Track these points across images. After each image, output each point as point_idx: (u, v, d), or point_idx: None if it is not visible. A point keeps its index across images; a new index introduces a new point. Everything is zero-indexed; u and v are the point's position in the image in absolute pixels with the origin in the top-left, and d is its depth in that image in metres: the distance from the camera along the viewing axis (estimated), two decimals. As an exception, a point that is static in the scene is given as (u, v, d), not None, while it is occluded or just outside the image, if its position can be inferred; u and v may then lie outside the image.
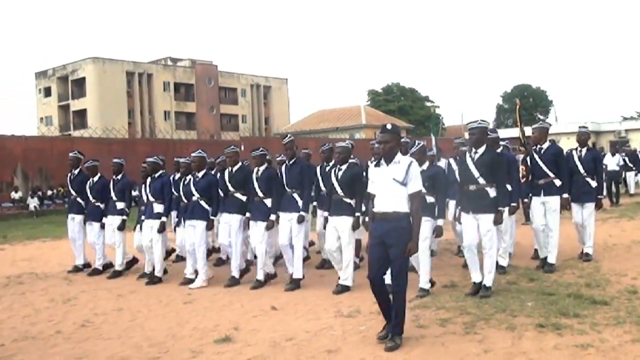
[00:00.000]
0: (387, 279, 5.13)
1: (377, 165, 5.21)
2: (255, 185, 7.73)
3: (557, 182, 7.82)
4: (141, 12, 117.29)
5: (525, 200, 8.41)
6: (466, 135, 7.63)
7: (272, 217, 7.60)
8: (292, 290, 7.38)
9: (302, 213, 7.55)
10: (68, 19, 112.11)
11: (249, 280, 7.89)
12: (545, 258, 7.81)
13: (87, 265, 9.70)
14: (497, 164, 6.52)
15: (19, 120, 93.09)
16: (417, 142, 7.15)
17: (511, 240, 8.31)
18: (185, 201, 8.21)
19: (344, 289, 7.09)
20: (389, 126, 5.18)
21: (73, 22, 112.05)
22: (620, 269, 7.59)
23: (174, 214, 9.18)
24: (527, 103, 65.72)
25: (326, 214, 7.73)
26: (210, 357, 5.01)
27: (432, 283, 6.86)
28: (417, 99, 66.62)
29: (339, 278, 7.22)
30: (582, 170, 8.38)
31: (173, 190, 8.69)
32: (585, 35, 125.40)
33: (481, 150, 6.53)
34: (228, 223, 8.01)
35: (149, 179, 8.64)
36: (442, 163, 9.21)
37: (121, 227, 9.02)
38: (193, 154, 8.23)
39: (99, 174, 9.49)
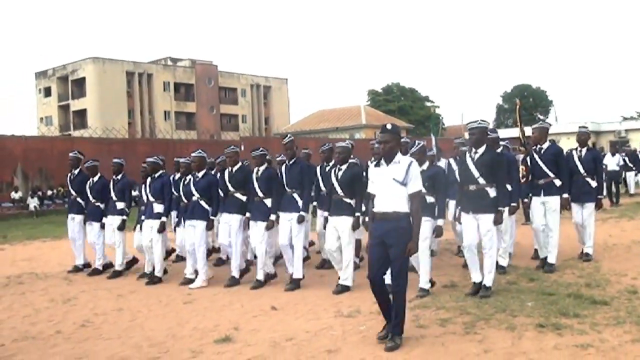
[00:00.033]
0: (387, 279, 5.14)
1: (377, 165, 5.21)
2: (255, 185, 7.73)
3: (557, 182, 7.82)
4: (141, 12, 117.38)
5: (526, 200, 8.40)
6: (466, 135, 7.63)
7: (272, 217, 7.60)
8: (292, 290, 7.38)
9: (302, 213, 7.55)
10: (68, 19, 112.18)
11: (249, 280, 7.89)
12: (545, 258, 7.81)
13: (87, 265, 9.71)
14: (497, 164, 6.52)
15: (19, 120, 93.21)
16: (417, 142, 7.15)
17: (511, 240, 8.31)
18: (185, 201, 8.21)
19: (344, 289, 7.09)
20: (389, 126, 5.18)
21: (73, 22, 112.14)
22: (620, 269, 7.59)
23: (173, 214, 9.18)
24: (527, 103, 65.74)
25: (326, 214, 7.73)
26: (210, 357, 5.01)
27: (432, 283, 6.86)
28: (417, 99, 66.63)
29: (339, 278, 7.23)
30: (582, 170, 8.38)
31: (173, 190, 8.69)
32: (586, 35, 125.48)
33: (481, 150, 6.53)
34: (228, 223, 8.01)
35: (149, 179, 8.65)
36: (442, 163, 9.21)
37: (121, 227, 9.01)
38: (193, 154, 8.23)
39: (99, 174, 9.49)
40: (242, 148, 15.19)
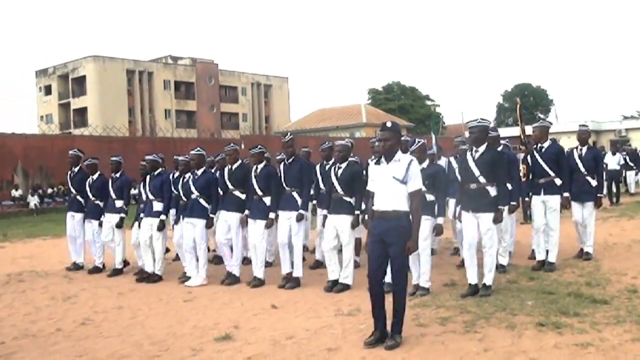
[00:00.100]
0: (387, 277, 5.13)
1: (377, 163, 5.20)
2: (254, 183, 7.71)
3: (558, 181, 7.81)
4: (142, 11, 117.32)
5: (526, 199, 8.39)
6: (466, 134, 7.63)
7: (272, 215, 7.60)
8: (292, 288, 7.38)
9: (301, 211, 7.55)
10: (68, 17, 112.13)
11: (246, 280, 7.88)
12: (542, 260, 7.79)
13: (80, 265, 9.67)
14: (498, 163, 6.51)
15: (20, 118, 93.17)
16: (417, 140, 7.15)
17: (511, 239, 8.31)
18: (185, 199, 8.20)
19: (344, 287, 7.09)
20: (389, 124, 5.17)
21: (73, 20, 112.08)
22: (620, 268, 7.59)
23: (173, 212, 9.16)
24: (528, 102, 65.72)
25: (325, 212, 7.72)
26: (210, 355, 5.01)
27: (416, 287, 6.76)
28: (417, 98, 66.62)
29: (334, 281, 7.18)
30: (582, 169, 8.38)
31: (172, 188, 8.68)
32: (586, 35, 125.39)
33: (482, 149, 6.52)
34: (226, 221, 8.00)
35: (148, 177, 8.65)
36: (443, 162, 9.21)
37: (119, 225, 9.01)
38: (192, 152, 8.22)
39: (98, 172, 9.50)
40: (243, 146, 15.20)
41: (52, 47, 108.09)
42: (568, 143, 23.30)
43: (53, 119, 59.18)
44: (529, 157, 7.99)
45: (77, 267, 9.62)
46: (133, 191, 9.69)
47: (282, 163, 7.82)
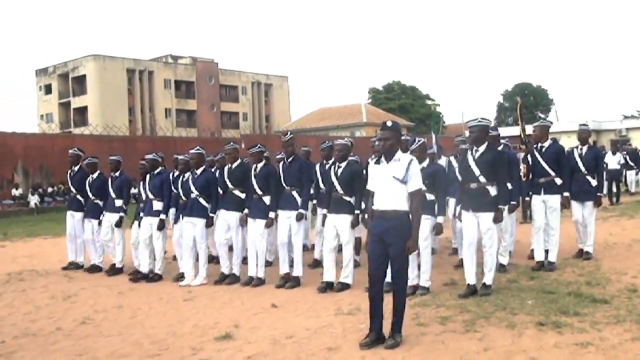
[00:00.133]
0: (388, 277, 5.13)
1: (377, 162, 5.20)
2: (254, 182, 7.71)
3: (558, 181, 7.81)
4: (142, 10, 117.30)
5: (526, 199, 8.38)
6: (467, 134, 7.63)
7: (272, 214, 7.60)
8: (292, 287, 7.38)
9: (301, 211, 7.55)
10: (69, 16, 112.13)
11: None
12: (542, 261, 7.79)
13: (76, 264, 9.66)
14: (499, 162, 6.50)
15: (20, 117, 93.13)
16: (417, 139, 7.14)
17: (512, 239, 8.31)
18: (184, 199, 8.20)
19: (344, 286, 7.08)
20: (389, 123, 5.17)
21: (74, 20, 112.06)
22: (620, 268, 7.59)
23: (172, 211, 9.16)
24: (528, 101, 65.69)
25: (325, 211, 7.72)
26: (210, 354, 5.01)
27: (415, 288, 6.71)
28: (417, 97, 66.60)
29: (325, 282, 7.15)
30: (582, 169, 8.38)
31: (172, 187, 8.67)
32: (586, 34, 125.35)
33: (482, 148, 6.52)
34: (226, 220, 7.99)
35: (148, 176, 8.64)
36: (443, 161, 9.21)
37: (118, 224, 9.01)
38: (191, 151, 8.21)
39: (98, 171, 9.49)
40: (243, 146, 15.17)
41: (52, 46, 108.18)
42: (568, 142, 23.26)
43: (53, 118, 59.18)
44: (529, 157, 7.99)
45: (77, 266, 9.61)
46: (133, 190, 9.67)
47: (282, 162, 7.81)
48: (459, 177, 6.80)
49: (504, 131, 25.10)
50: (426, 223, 6.63)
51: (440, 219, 6.80)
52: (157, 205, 8.42)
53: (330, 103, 65.63)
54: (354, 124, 50.54)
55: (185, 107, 63.54)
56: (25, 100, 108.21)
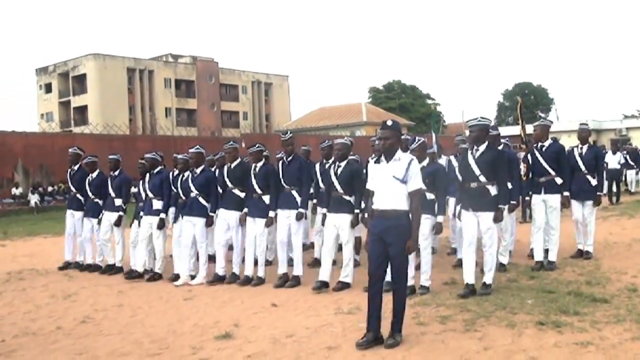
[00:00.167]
0: (387, 276, 5.13)
1: (377, 162, 5.20)
2: (253, 181, 7.70)
3: (558, 180, 7.81)
4: (142, 9, 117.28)
5: (526, 198, 8.38)
6: (467, 133, 7.63)
7: (271, 214, 7.59)
8: (292, 287, 7.38)
9: (300, 210, 7.55)
10: (69, 15, 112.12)
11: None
12: (541, 261, 7.79)
13: (71, 264, 9.63)
14: (499, 162, 6.49)
15: (20, 116, 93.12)
16: (417, 138, 7.14)
17: (512, 238, 8.31)
18: (184, 198, 8.19)
19: (344, 286, 7.08)
20: (389, 122, 5.16)
21: (74, 19, 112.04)
22: (620, 267, 7.59)
23: (172, 210, 9.14)
24: (528, 101, 65.65)
25: (325, 210, 7.72)
26: (210, 353, 5.01)
27: (413, 289, 6.62)
28: (418, 97, 66.56)
29: (320, 281, 7.09)
30: (583, 168, 8.38)
31: (172, 186, 8.66)
32: (587, 34, 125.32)
33: (482, 147, 6.51)
34: (226, 220, 7.99)
35: (147, 175, 8.64)
36: (443, 160, 9.21)
37: (118, 223, 9.01)
38: (191, 150, 8.20)
39: (97, 170, 9.49)
40: (243, 145, 15.17)
41: (52, 45, 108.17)
42: (568, 142, 23.24)
43: (53, 117, 59.20)
44: (529, 156, 7.99)
45: (78, 265, 9.60)
46: (133, 189, 9.67)
47: (281, 161, 7.81)
48: (459, 177, 6.79)
49: (504, 130, 25.12)
50: (426, 222, 6.63)
51: (440, 219, 6.80)
52: (157, 204, 8.42)
53: (330, 102, 65.50)
54: (354, 123, 50.51)
55: (185, 106, 63.53)
56: (26, 99, 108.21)
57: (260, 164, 7.74)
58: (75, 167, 9.76)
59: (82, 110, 58.09)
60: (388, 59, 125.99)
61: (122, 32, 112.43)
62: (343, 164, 7.26)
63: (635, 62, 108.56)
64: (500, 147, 7.83)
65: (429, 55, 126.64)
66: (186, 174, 8.23)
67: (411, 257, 6.38)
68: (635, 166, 20.68)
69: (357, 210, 7.17)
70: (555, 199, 7.80)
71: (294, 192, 7.61)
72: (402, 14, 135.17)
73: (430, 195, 6.77)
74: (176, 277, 8.13)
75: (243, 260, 8.06)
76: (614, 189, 17.76)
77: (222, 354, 4.98)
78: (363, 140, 24.10)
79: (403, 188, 5.01)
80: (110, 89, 56.62)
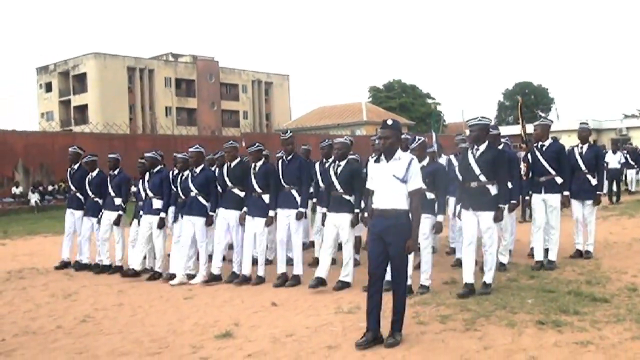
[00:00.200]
0: (387, 275, 5.13)
1: (377, 161, 5.19)
2: (253, 180, 7.70)
3: (558, 180, 7.82)
4: (143, 8, 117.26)
5: (526, 197, 8.38)
6: (467, 132, 7.63)
7: (271, 213, 7.59)
8: (292, 286, 7.38)
9: (300, 209, 7.55)
10: (69, 14, 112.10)
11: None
12: (541, 261, 7.78)
13: (68, 263, 9.61)
14: (499, 161, 6.49)
15: (20, 115, 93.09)
16: (417, 137, 7.14)
17: (512, 238, 8.31)
18: (183, 197, 8.19)
19: (344, 285, 7.08)
20: (389, 122, 5.16)
21: (74, 18, 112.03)
22: (620, 267, 7.59)
23: (172, 209, 9.13)
24: (529, 100, 65.60)
25: (325, 210, 7.73)
26: (210, 352, 5.01)
27: (410, 289, 6.60)
28: (418, 96, 66.51)
29: (317, 278, 7.06)
30: (583, 167, 8.38)
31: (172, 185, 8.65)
32: (587, 33, 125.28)
33: (483, 147, 6.51)
34: (225, 219, 7.99)
35: (147, 175, 8.64)
36: (443, 160, 9.21)
37: (117, 222, 9.01)
38: (191, 150, 8.20)
39: (97, 169, 9.48)
40: (244, 144, 15.16)
41: (52, 44, 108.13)
42: (569, 141, 23.24)
43: (54, 116, 59.18)
44: (529, 156, 7.99)
45: (78, 264, 9.58)
46: (133, 189, 9.67)
47: (281, 160, 7.80)
48: (459, 176, 6.79)
49: (505, 130, 25.11)
50: (426, 222, 6.64)
51: (440, 218, 6.80)
52: (157, 203, 8.42)
53: (330, 102, 65.59)
54: (354, 122, 50.47)
55: (185, 106, 63.50)
56: (26, 98, 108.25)
57: (260, 163, 7.74)
58: (75, 166, 9.75)
59: (83, 109, 58.07)
60: (388, 58, 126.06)
61: (123, 31, 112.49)
62: (343, 163, 7.26)
63: (636, 62, 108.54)
64: (500, 147, 7.83)
65: (429, 55, 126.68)
66: (186, 173, 8.23)
67: (410, 257, 6.42)
68: (635, 166, 20.69)
69: (357, 210, 7.17)
70: (555, 199, 7.80)
71: (293, 192, 7.62)
72: (403, 14, 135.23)
73: (430, 195, 6.77)
74: (172, 276, 8.13)
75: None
76: (614, 188, 17.78)
77: (222, 353, 4.98)
78: (363, 139, 24.09)
79: (403, 187, 5.01)
80: (111, 88, 56.60)
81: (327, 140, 8.68)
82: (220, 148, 8.70)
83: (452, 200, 8.23)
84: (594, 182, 8.40)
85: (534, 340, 4.83)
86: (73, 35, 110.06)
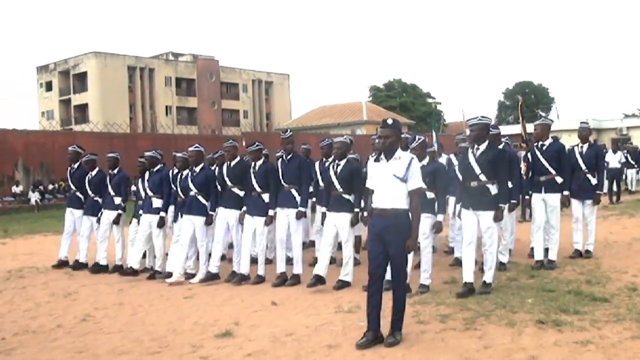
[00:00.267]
0: (387, 275, 5.13)
1: (377, 160, 5.19)
2: (253, 180, 7.70)
3: (559, 179, 7.81)
4: (143, 7, 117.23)
5: (527, 197, 8.38)
6: (467, 132, 7.62)
7: (271, 212, 7.59)
8: (292, 285, 7.38)
9: (300, 209, 7.54)
10: (70, 13, 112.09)
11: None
12: (541, 261, 7.78)
13: (66, 262, 9.59)
14: (500, 161, 6.49)
15: (21, 114, 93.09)
16: (417, 137, 7.14)
17: (512, 237, 8.31)
18: (182, 196, 8.18)
19: (344, 284, 7.08)
20: (389, 121, 5.16)
21: (75, 17, 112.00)
22: (620, 266, 7.59)
23: (172, 208, 9.13)
24: (529, 100, 65.55)
25: (324, 209, 7.73)
26: (210, 351, 5.02)
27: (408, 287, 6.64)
28: (418, 95, 66.48)
29: (316, 275, 7.05)
30: (583, 167, 8.37)
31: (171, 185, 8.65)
32: (587, 33, 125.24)
33: (483, 146, 6.51)
34: (225, 218, 7.98)
35: (147, 174, 8.63)
36: (443, 159, 9.20)
37: (117, 222, 9.01)
38: (190, 149, 8.19)
39: (97, 168, 9.48)
40: (244, 143, 15.16)
41: (53, 44, 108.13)
42: (569, 141, 23.22)
43: (54, 115, 59.19)
44: (529, 155, 7.99)
45: (80, 265, 9.57)
46: (133, 188, 9.67)
47: (280, 160, 7.80)
48: (460, 176, 6.79)
49: (505, 130, 25.11)
50: (426, 221, 6.63)
51: (440, 217, 6.80)
52: (157, 202, 8.42)
53: (331, 101, 65.48)
54: (354, 121, 50.45)
55: (185, 105, 63.50)
56: (26, 97, 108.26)
57: (259, 162, 7.74)
58: (75, 165, 9.74)
59: (83, 108, 58.07)
60: (389, 57, 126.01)
61: (123, 30, 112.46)
62: (342, 162, 7.25)
63: (636, 61, 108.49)
64: (500, 146, 7.83)
65: (429, 54, 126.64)
66: (185, 172, 8.22)
67: (410, 256, 6.42)
68: (635, 165, 20.69)
69: (356, 209, 7.16)
70: (555, 198, 7.80)
71: (293, 191, 7.61)
72: (403, 13, 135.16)
73: (430, 194, 6.76)
74: (168, 275, 8.13)
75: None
76: (614, 188, 17.78)
77: (222, 352, 4.99)
78: (363, 139, 24.11)
79: (403, 187, 5.00)
80: (111, 87, 56.60)
81: (327, 140, 8.67)
82: (220, 147, 8.69)
83: (452, 200, 8.23)
84: (594, 181, 8.40)
85: (533, 339, 4.83)
86: (73, 34, 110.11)
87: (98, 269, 9.05)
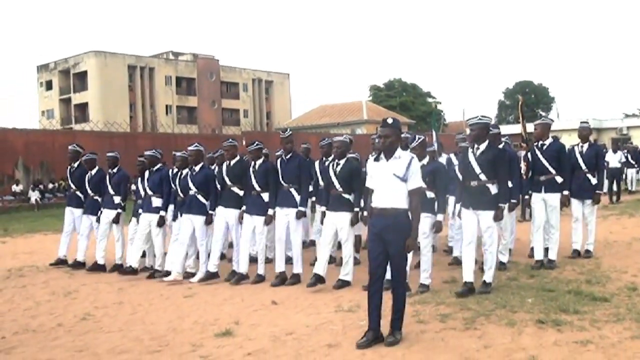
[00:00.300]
0: (387, 274, 5.13)
1: (377, 159, 5.19)
2: (252, 179, 7.70)
3: (559, 179, 7.81)
4: (143, 6, 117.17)
5: (527, 196, 8.38)
6: (467, 131, 7.62)
7: (270, 212, 7.59)
8: (292, 284, 7.39)
9: (300, 208, 7.54)
10: (70, 12, 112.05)
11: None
12: (541, 260, 7.78)
13: (65, 261, 9.58)
14: (500, 160, 6.49)
15: (21, 113, 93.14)
16: (417, 136, 7.13)
17: (512, 237, 8.31)
18: (182, 196, 8.18)
19: (344, 284, 7.09)
20: (389, 120, 5.15)
21: (75, 16, 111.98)
22: (620, 266, 7.60)
23: (171, 207, 9.12)
24: (529, 100, 65.55)
25: (324, 208, 7.73)
26: (210, 350, 5.02)
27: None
28: (418, 95, 66.47)
29: (315, 274, 7.04)
30: (583, 166, 8.37)
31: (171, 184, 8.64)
32: (588, 32, 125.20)
33: (483, 146, 6.51)
34: (225, 217, 7.98)
35: (147, 173, 8.63)
36: (443, 159, 9.20)
37: (116, 221, 9.01)
38: (190, 148, 8.19)
39: (97, 167, 9.47)
40: (243, 143, 15.17)
41: (53, 43, 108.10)
42: (569, 141, 23.21)
43: (54, 114, 59.16)
44: (529, 155, 7.99)
45: (79, 264, 9.58)
46: (132, 187, 9.67)
47: (280, 159, 7.79)
48: (460, 175, 6.79)
49: (505, 129, 25.09)
50: (426, 221, 6.63)
51: (440, 217, 6.80)
52: (156, 201, 8.42)
53: (331, 100, 65.24)
54: (354, 121, 50.45)
55: (186, 104, 63.49)
56: (26, 96, 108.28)
57: (259, 161, 7.74)
58: (75, 165, 9.75)
59: (83, 107, 58.07)
60: (389, 57, 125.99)
61: (123, 29, 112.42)
62: (342, 162, 7.25)
63: (636, 61, 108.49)
64: (500, 146, 7.82)
65: (429, 54, 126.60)
66: (185, 171, 8.22)
67: (409, 256, 6.42)
68: (635, 165, 20.70)
69: (356, 209, 7.16)
70: (555, 198, 7.80)
71: (292, 190, 7.61)
72: (403, 13, 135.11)
73: (430, 194, 6.76)
74: (167, 273, 8.13)
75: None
76: (614, 187, 17.79)
77: (222, 351, 4.99)
78: (363, 138, 24.12)
79: (403, 186, 5.00)
80: (111, 87, 56.59)
81: (326, 139, 8.66)
82: (220, 146, 8.69)
83: (452, 200, 8.22)
84: (594, 181, 8.40)
85: (533, 339, 4.84)
86: (74, 34, 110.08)
87: (96, 267, 9.04)
